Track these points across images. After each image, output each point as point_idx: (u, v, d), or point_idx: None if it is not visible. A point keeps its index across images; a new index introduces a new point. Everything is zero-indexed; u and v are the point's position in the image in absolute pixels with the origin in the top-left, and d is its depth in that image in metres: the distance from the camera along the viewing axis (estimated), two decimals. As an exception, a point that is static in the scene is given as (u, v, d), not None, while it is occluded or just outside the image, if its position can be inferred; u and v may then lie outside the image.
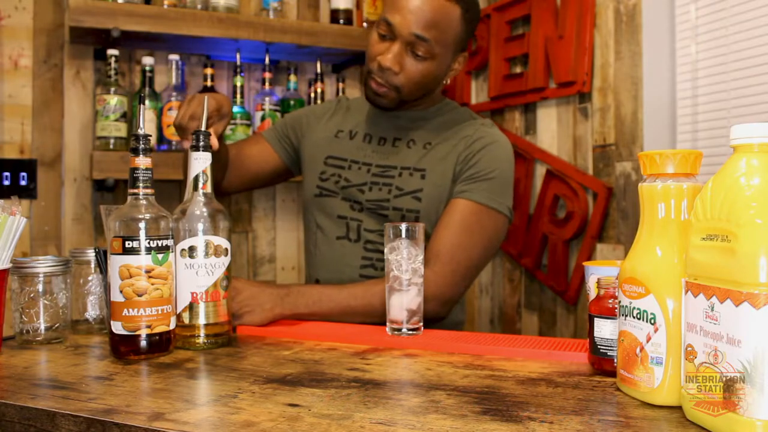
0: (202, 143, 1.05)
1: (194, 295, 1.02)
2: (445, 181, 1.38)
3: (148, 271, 0.95)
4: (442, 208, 1.37)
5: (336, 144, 1.48)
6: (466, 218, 1.33)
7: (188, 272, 1.02)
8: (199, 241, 1.02)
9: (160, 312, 0.96)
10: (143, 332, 0.95)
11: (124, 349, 0.95)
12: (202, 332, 1.02)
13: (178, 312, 1.02)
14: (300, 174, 1.58)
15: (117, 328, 0.95)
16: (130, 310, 0.94)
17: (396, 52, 1.31)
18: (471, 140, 1.39)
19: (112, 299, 0.95)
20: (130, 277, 0.95)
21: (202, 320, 1.02)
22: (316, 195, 1.47)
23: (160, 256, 0.97)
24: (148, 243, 0.96)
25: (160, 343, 0.97)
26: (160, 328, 0.96)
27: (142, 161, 0.98)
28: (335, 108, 1.57)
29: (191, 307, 1.02)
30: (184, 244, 1.02)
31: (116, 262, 0.95)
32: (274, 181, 1.64)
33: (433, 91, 1.45)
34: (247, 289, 1.19)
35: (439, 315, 1.33)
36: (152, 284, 0.96)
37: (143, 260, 0.95)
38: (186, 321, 1.02)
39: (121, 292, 0.95)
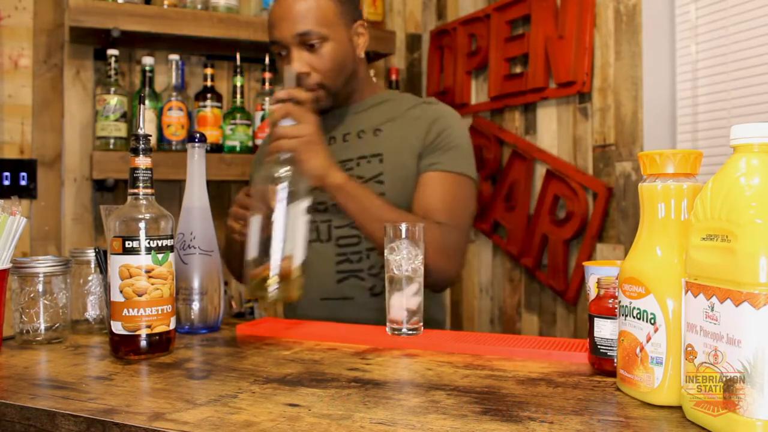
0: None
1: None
2: (405, 159, 1.40)
3: (148, 271, 0.96)
4: (407, 186, 1.39)
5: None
6: (446, 187, 1.37)
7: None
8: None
9: (160, 312, 0.96)
10: (143, 332, 0.95)
11: (124, 349, 0.95)
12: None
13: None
14: None
15: (117, 328, 0.95)
16: (130, 310, 0.94)
17: (296, 57, 1.36)
18: (424, 118, 1.43)
19: (112, 299, 0.95)
20: (130, 277, 0.95)
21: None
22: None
23: (160, 256, 0.97)
24: (148, 243, 0.96)
25: (160, 343, 0.97)
26: (160, 328, 0.96)
27: (142, 161, 0.98)
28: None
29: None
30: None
31: (116, 262, 0.95)
32: None
33: (356, 70, 1.46)
34: (320, 144, 1.24)
35: (445, 272, 1.34)
36: (152, 284, 0.96)
37: (143, 260, 0.95)
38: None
39: (121, 292, 0.95)
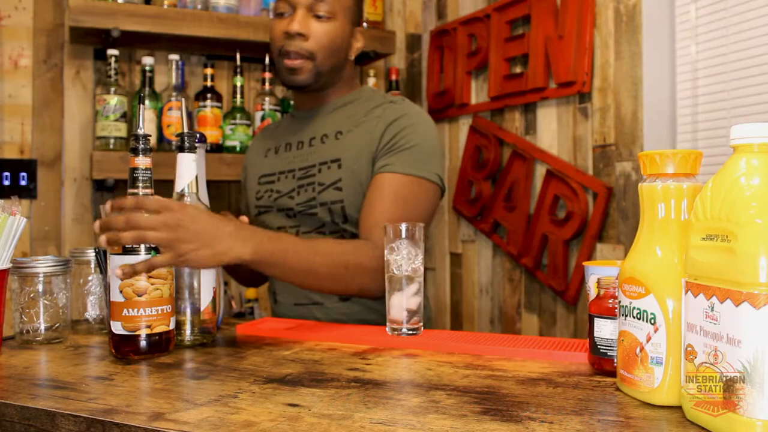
0: (187, 144, 1.06)
1: (214, 290, 1.07)
2: (361, 164, 1.35)
3: (147, 272, 0.96)
4: (363, 191, 1.34)
5: (265, 162, 1.51)
6: (396, 191, 1.29)
7: (211, 269, 1.05)
8: None
9: (160, 312, 0.96)
10: (143, 332, 0.95)
11: (124, 349, 0.95)
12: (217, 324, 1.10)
13: (203, 308, 1.04)
14: None
15: (117, 328, 0.95)
16: (130, 310, 0.94)
17: (300, 17, 1.35)
18: (384, 118, 1.36)
19: (111, 299, 0.96)
20: (130, 277, 0.95)
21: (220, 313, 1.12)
22: (255, 215, 1.49)
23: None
24: (148, 243, 0.96)
25: (160, 342, 0.97)
26: (160, 328, 0.96)
27: (142, 161, 0.98)
28: (262, 135, 1.61)
29: (213, 302, 1.07)
30: None
31: (116, 262, 0.95)
32: None
33: (343, 67, 1.44)
34: (195, 219, 0.99)
35: (369, 293, 1.27)
36: (152, 284, 0.96)
37: (143, 260, 0.95)
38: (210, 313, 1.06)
39: (120, 292, 0.95)
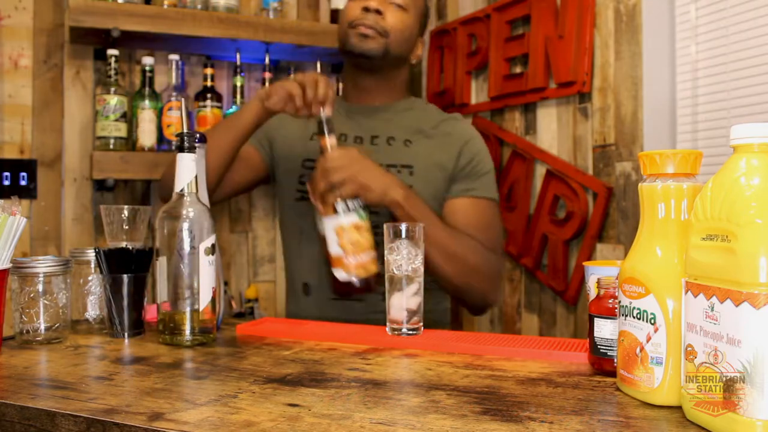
0: (187, 144, 1.06)
1: (214, 290, 1.06)
2: (435, 176, 1.41)
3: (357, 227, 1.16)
4: (434, 203, 1.39)
5: (312, 146, 1.46)
6: (481, 213, 1.42)
7: (210, 269, 1.05)
8: (215, 239, 1.06)
9: (368, 258, 1.19)
10: (354, 274, 1.17)
11: (346, 289, 1.17)
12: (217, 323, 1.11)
13: (202, 308, 1.03)
14: (272, 182, 1.57)
15: (340, 274, 1.17)
16: (348, 258, 1.16)
17: None
18: (456, 137, 1.45)
19: (331, 252, 1.17)
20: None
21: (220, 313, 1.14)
22: (297, 199, 1.46)
23: (363, 213, 1.19)
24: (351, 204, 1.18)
25: (368, 282, 1.18)
26: (370, 270, 1.18)
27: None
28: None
29: (213, 302, 1.06)
30: (208, 242, 1.04)
31: (330, 223, 1.17)
32: (247, 191, 1.63)
33: (404, 66, 1.48)
34: (370, 162, 1.23)
35: (487, 296, 1.39)
36: (361, 236, 1.18)
37: (353, 218, 1.17)
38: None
39: (339, 245, 1.16)
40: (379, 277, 1.18)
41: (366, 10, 1.37)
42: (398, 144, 1.44)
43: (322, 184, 1.18)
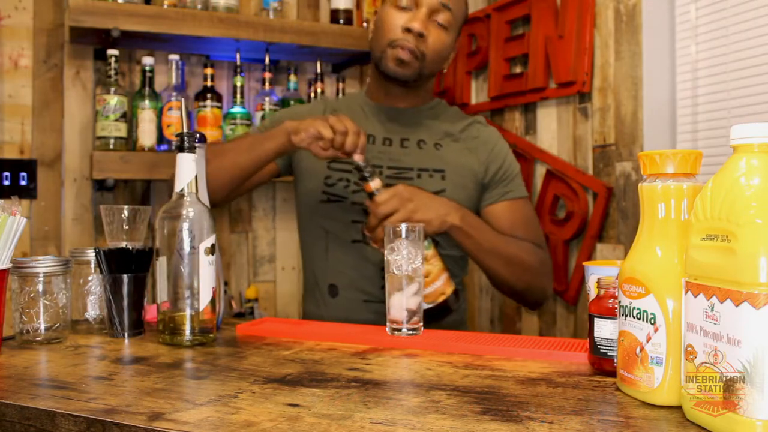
0: (187, 144, 1.06)
1: (214, 290, 1.05)
2: (466, 181, 1.43)
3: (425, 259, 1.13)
4: (468, 205, 1.40)
5: None
6: (523, 212, 1.47)
7: (210, 269, 1.04)
8: (215, 239, 1.05)
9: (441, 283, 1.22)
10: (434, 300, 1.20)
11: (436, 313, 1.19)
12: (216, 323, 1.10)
13: (202, 308, 1.03)
14: (286, 176, 1.55)
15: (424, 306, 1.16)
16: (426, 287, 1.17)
17: (422, 17, 1.36)
18: (483, 141, 1.48)
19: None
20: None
21: (220, 313, 1.13)
22: (323, 201, 1.44)
23: (426, 243, 1.18)
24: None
25: (448, 302, 1.22)
26: (442, 297, 1.21)
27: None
28: (323, 109, 1.53)
29: (213, 302, 1.06)
30: (208, 242, 1.04)
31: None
32: (256, 187, 1.62)
33: (435, 74, 1.49)
34: (419, 193, 1.23)
35: (545, 291, 1.44)
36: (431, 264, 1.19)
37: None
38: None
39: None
40: (456, 294, 1.23)
41: (408, 30, 1.35)
42: (429, 147, 1.44)
43: (380, 232, 1.18)
